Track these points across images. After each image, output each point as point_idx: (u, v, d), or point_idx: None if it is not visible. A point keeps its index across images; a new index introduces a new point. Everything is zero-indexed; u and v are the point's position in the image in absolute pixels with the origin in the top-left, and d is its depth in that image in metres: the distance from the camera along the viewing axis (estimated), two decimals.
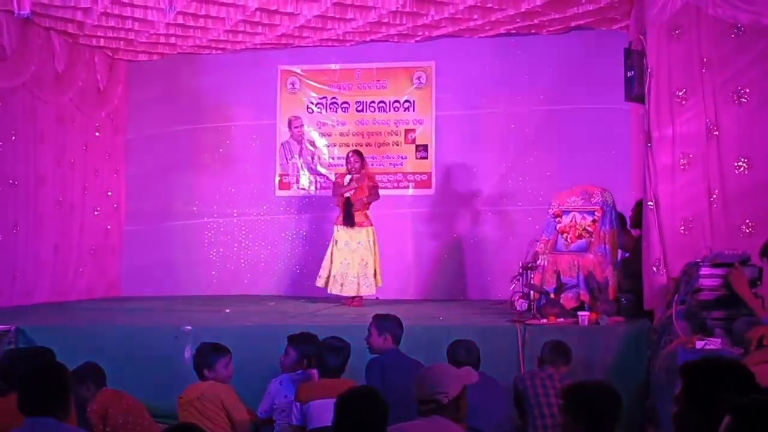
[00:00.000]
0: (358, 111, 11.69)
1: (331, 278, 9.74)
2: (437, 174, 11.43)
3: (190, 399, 5.57)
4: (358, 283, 9.69)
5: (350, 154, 10.06)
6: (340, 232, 9.80)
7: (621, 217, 8.55)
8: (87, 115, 11.37)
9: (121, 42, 11.04)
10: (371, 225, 9.82)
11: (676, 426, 3.16)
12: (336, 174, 10.98)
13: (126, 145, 12.19)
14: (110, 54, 11.62)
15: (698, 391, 3.11)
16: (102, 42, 10.98)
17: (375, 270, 9.75)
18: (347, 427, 3.58)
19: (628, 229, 8.62)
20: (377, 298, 10.03)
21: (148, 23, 10.11)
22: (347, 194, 9.79)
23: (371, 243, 9.75)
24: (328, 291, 9.80)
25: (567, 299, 7.90)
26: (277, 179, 11.90)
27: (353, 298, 9.76)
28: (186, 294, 11.28)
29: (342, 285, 9.71)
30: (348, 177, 9.90)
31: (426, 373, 4.00)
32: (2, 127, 9.82)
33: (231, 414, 5.53)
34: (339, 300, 9.99)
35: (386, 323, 6.05)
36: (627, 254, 8.63)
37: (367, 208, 9.86)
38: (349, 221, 9.73)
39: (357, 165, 9.88)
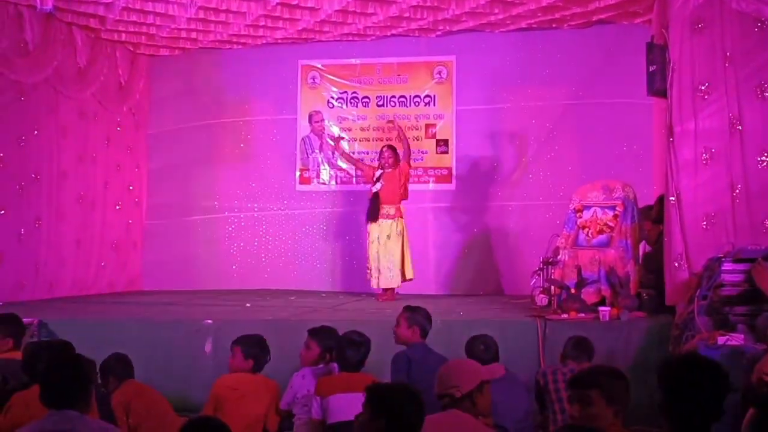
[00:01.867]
0: (378, 106, 11.68)
1: (370, 272, 9.82)
2: (458, 169, 11.41)
3: (246, 390, 5.73)
4: (389, 276, 9.74)
5: (384, 149, 10.04)
6: (372, 226, 9.83)
7: (649, 208, 8.53)
8: (109, 110, 11.42)
9: (143, 37, 11.08)
10: (401, 217, 9.85)
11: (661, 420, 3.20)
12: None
13: (147, 140, 12.25)
14: (132, 49, 11.66)
15: (673, 389, 3.15)
16: (123, 37, 11.02)
17: (403, 262, 9.78)
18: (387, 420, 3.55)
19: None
20: (396, 293, 10.03)
21: (169, 18, 10.14)
22: (375, 189, 9.80)
23: (399, 235, 9.77)
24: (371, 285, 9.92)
25: (588, 294, 7.86)
26: (297, 174, 11.91)
27: (384, 291, 9.79)
28: (206, 288, 11.33)
29: (377, 278, 9.78)
30: (379, 172, 9.88)
31: (442, 369, 4.02)
32: (25, 122, 9.88)
33: (270, 408, 5.67)
34: (366, 294, 10.07)
35: (416, 315, 6.05)
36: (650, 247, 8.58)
37: (399, 202, 9.87)
38: (373, 216, 9.75)
39: (390, 160, 9.88)
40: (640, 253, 8.34)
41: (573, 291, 7.82)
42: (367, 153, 11.49)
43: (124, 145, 11.80)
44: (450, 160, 11.44)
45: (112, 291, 11.34)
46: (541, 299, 8.11)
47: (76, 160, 10.81)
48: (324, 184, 11.87)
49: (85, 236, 10.96)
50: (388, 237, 9.72)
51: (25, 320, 6.94)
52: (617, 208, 8.14)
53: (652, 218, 8.48)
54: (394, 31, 10.98)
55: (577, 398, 3.52)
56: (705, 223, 7.14)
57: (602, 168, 10.04)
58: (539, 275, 8.38)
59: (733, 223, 7.07)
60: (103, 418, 4.62)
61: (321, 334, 6.08)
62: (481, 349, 5.76)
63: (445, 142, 11.45)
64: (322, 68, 11.85)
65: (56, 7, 8.92)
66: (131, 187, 11.96)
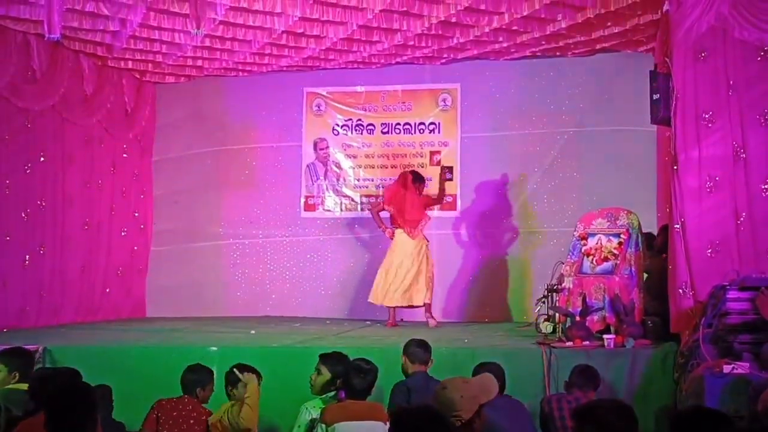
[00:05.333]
0: (383, 133, 11.72)
1: (393, 291, 9.79)
2: (462, 196, 11.43)
3: (213, 422, 5.67)
4: (419, 292, 9.80)
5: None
6: (406, 244, 9.85)
7: (650, 236, 8.53)
8: (115, 137, 11.47)
9: (149, 64, 11.15)
10: (428, 241, 9.99)
11: None
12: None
13: (153, 167, 12.28)
14: (138, 76, 11.73)
15: None
16: (130, 64, 11.08)
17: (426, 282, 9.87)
18: None
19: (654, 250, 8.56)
20: (402, 319, 10.03)
21: (175, 46, 10.20)
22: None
23: (427, 256, 9.90)
24: (391, 304, 9.84)
25: (593, 322, 7.85)
26: (302, 201, 11.93)
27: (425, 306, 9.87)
28: (211, 315, 11.32)
29: (403, 295, 9.78)
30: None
31: (443, 392, 4.00)
32: (31, 148, 9.93)
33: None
34: (372, 321, 10.09)
35: (416, 353, 6.20)
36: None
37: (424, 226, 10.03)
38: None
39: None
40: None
41: (578, 318, 7.81)
42: (372, 180, 11.54)
43: (130, 172, 11.83)
44: (455, 187, 11.44)
45: (117, 317, 11.31)
46: (546, 327, 8.10)
47: (82, 186, 10.83)
48: (329, 211, 11.88)
49: (90, 262, 10.96)
50: (419, 255, 9.88)
51: (29, 347, 6.95)
52: (622, 236, 8.15)
53: (656, 248, 8.49)
54: (398, 59, 11.03)
55: None
56: (710, 250, 7.13)
57: (606, 195, 10.05)
58: (544, 303, 8.38)
59: (738, 251, 7.07)
60: None
61: (332, 359, 6.08)
62: None
63: (450, 169, 11.44)
64: (327, 95, 11.90)
65: (63, 35, 8.94)
66: (136, 214, 11.97)
